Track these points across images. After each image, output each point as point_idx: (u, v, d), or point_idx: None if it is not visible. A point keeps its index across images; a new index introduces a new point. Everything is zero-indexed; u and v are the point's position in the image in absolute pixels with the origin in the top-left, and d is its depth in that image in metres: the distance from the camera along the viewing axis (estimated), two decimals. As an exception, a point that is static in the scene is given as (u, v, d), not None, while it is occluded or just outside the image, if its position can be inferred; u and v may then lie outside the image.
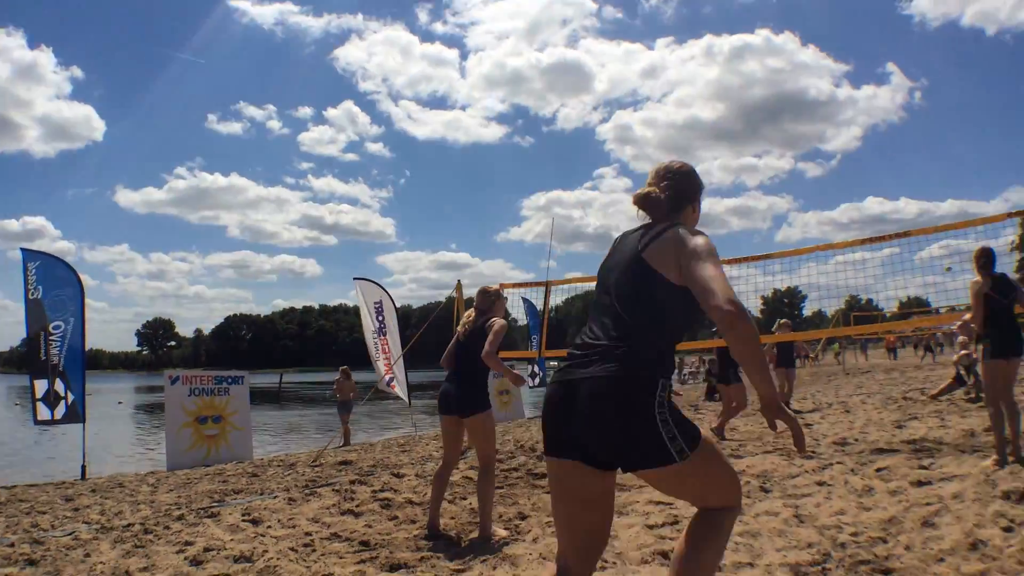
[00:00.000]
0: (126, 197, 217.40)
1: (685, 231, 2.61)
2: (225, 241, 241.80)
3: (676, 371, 49.46)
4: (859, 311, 39.68)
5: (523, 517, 5.80)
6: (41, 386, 11.55)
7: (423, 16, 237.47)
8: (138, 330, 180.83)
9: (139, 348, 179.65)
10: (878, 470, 6.66)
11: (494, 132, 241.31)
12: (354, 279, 14.21)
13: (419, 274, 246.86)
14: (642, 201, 2.84)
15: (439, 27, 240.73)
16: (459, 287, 10.81)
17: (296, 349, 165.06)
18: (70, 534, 5.94)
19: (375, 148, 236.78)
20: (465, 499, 6.57)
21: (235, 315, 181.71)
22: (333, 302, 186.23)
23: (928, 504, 5.09)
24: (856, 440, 8.92)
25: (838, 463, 7.20)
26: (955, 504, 5.06)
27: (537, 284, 11.46)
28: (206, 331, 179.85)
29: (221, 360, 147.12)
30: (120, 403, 38.01)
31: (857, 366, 35.87)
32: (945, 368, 19.58)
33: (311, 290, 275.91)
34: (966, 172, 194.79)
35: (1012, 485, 5.24)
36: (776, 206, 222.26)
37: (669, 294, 2.53)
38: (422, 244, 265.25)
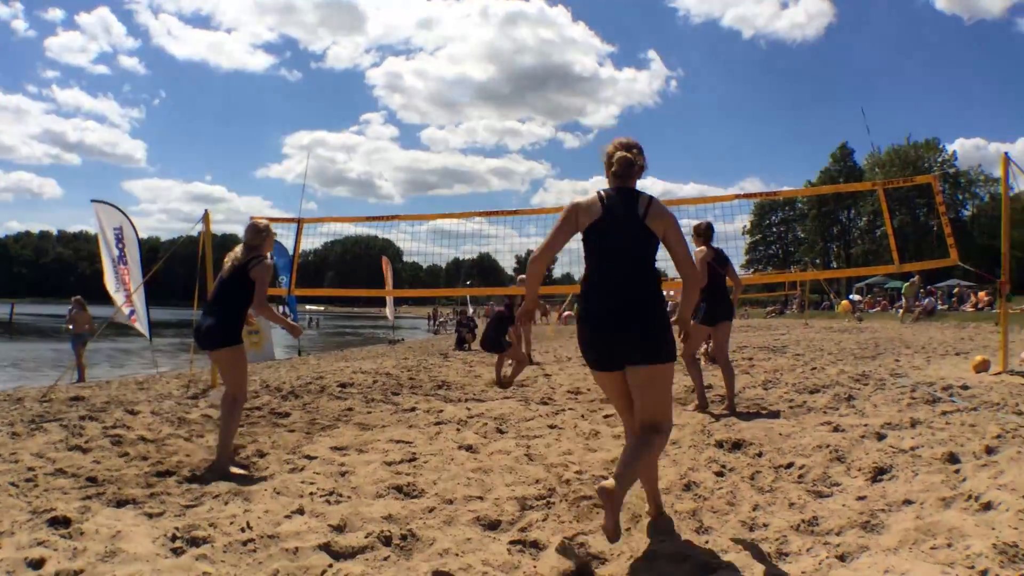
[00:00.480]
0: None
1: (663, 207, 3.74)
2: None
3: (431, 321, 50.49)
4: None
5: (262, 455, 5.80)
6: None
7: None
8: None
9: None
10: (605, 416, 7.28)
11: (260, 61, 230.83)
12: (92, 201, 13.16)
13: (169, 205, 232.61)
14: (632, 169, 3.79)
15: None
16: (207, 218, 10.27)
17: (31, 277, 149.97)
18: None
19: (129, 63, 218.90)
20: (202, 437, 6.44)
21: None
22: (74, 228, 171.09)
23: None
24: (589, 390, 9.63)
25: (570, 409, 7.79)
26: (673, 449, 5.67)
27: (289, 220, 11.18)
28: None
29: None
30: None
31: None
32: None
33: (50, 213, 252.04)
34: (709, 160, 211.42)
35: (725, 435, 5.92)
36: (535, 171, 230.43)
37: (656, 248, 3.72)
38: (174, 172, 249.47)
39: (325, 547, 3.50)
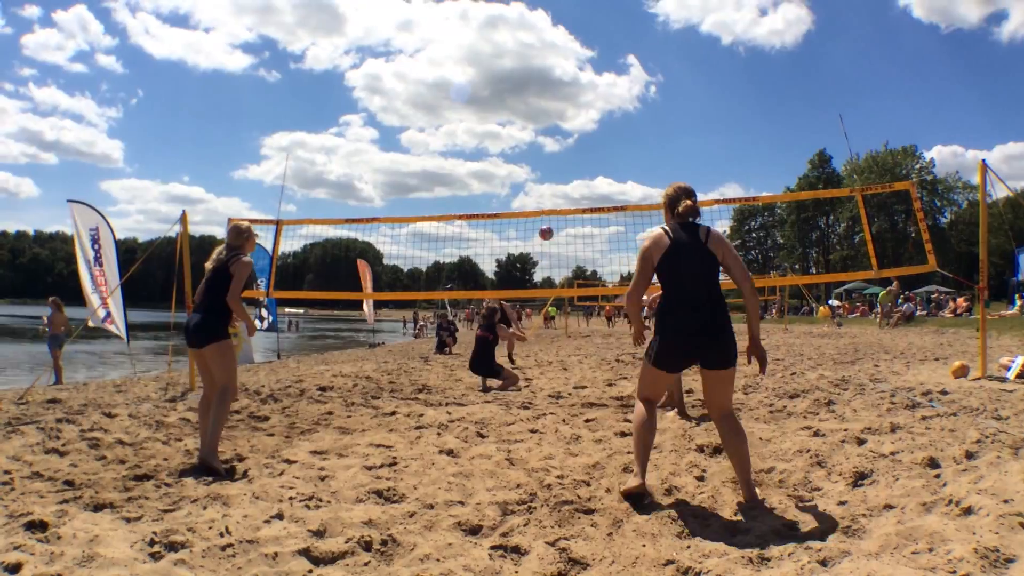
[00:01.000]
0: None
1: (720, 233, 4.46)
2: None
3: (405, 324, 50.34)
4: (583, 281, 42.21)
5: (241, 459, 5.75)
6: None
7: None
8: None
9: None
10: (587, 421, 7.28)
11: (238, 61, 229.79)
12: (68, 201, 13.01)
13: (147, 205, 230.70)
14: (694, 215, 4.52)
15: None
16: (185, 219, 10.18)
17: (7, 278, 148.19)
18: None
19: (106, 61, 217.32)
20: (180, 440, 6.39)
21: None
22: (50, 228, 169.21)
23: (630, 453, 5.63)
24: (570, 394, 9.64)
25: (551, 414, 7.78)
26: (654, 454, 5.65)
27: (268, 222, 11.10)
28: None
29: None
30: None
31: (579, 330, 38.36)
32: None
33: (26, 213, 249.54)
34: (688, 165, 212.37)
35: (706, 440, 5.93)
36: (515, 175, 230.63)
37: (719, 269, 4.38)
38: (152, 173, 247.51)
39: (305, 552, 3.47)
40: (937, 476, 4.46)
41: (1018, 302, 28.75)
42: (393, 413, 7.92)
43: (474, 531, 3.93)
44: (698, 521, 4.04)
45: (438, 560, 3.42)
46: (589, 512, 4.26)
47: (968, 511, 3.68)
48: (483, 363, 10.70)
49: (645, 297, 5.91)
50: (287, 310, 74.93)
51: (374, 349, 26.46)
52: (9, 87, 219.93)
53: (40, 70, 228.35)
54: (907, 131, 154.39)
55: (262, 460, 5.67)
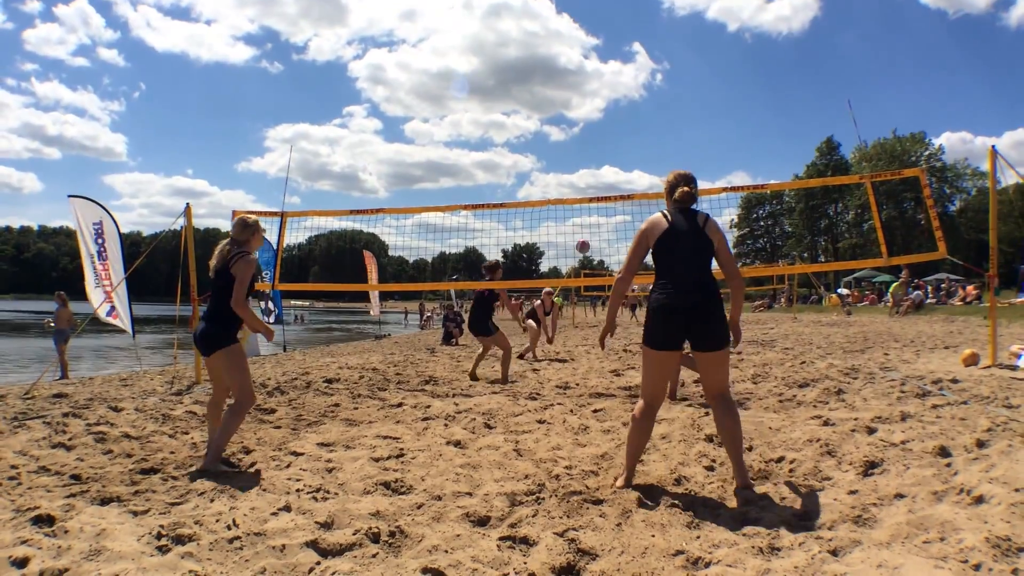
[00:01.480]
0: None
1: (716, 222, 4.52)
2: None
3: (406, 316, 50.34)
4: (590, 271, 42.15)
5: (247, 451, 5.74)
6: None
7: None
8: None
9: None
10: (595, 411, 7.26)
11: (240, 53, 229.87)
12: (69, 196, 12.96)
13: (151, 199, 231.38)
14: (692, 201, 4.58)
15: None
16: (189, 212, 10.14)
17: (11, 273, 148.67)
18: None
19: (108, 55, 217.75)
20: (187, 433, 6.39)
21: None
22: (54, 222, 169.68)
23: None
24: (577, 385, 9.62)
25: (559, 404, 7.76)
26: (663, 444, 5.65)
27: (272, 214, 11.08)
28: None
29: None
30: None
31: (585, 320, 38.33)
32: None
33: (30, 208, 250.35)
34: (695, 153, 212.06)
35: (715, 430, 5.89)
36: (520, 164, 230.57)
37: (712, 254, 4.46)
38: (155, 166, 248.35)
39: (312, 544, 3.46)
40: (948, 465, 4.43)
41: (1028, 289, 28.60)
42: (400, 404, 7.91)
43: (482, 522, 3.91)
44: (708, 511, 4.02)
45: (446, 551, 3.41)
46: (598, 502, 4.23)
47: (979, 500, 3.66)
48: (483, 320, 10.56)
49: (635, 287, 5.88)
50: (292, 302, 75.16)
51: (380, 341, 26.48)
52: (11, 82, 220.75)
53: (42, 65, 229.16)
54: (915, 118, 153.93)
55: (269, 452, 5.67)
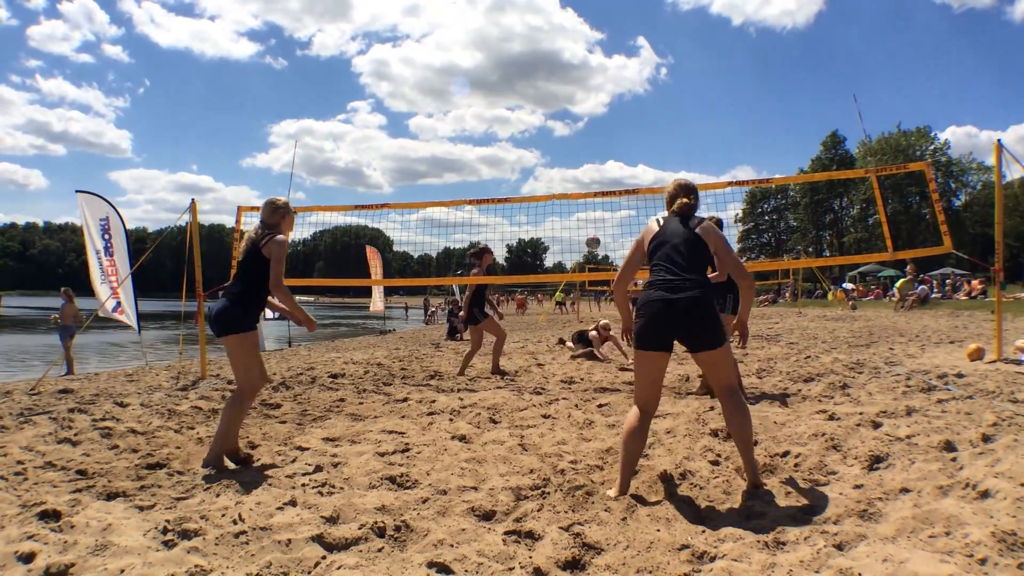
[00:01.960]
0: None
1: (712, 225, 4.54)
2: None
3: (423, 312, 50.41)
4: (595, 265, 42.14)
5: (253, 446, 5.75)
6: None
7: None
8: None
9: None
10: (599, 406, 7.26)
11: (244, 49, 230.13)
12: (76, 192, 12.98)
13: (156, 195, 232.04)
14: (688, 208, 4.58)
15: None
16: (194, 208, 10.16)
17: (17, 270, 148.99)
18: None
19: (113, 51, 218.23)
20: (193, 428, 6.40)
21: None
22: (60, 219, 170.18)
23: (642, 437, 5.63)
24: (582, 379, 9.62)
25: (563, 399, 7.76)
26: (668, 438, 5.64)
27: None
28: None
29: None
30: None
31: (590, 315, 38.29)
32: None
33: (35, 204, 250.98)
34: (700, 148, 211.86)
35: (720, 424, 5.88)
36: (525, 159, 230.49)
37: (709, 255, 4.44)
38: (160, 162, 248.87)
39: (318, 539, 3.46)
40: (954, 459, 4.42)
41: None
42: (405, 399, 7.92)
43: (487, 516, 3.92)
44: (713, 505, 4.02)
45: (452, 546, 3.41)
46: (603, 497, 4.24)
47: (985, 494, 3.65)
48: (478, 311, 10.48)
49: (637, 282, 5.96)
50: (298, 298, 75.15)
51: (385, 336, 26.50)
52: (16, 79, 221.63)
53: (47, 61, 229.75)
54: (920, 112, 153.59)
55: (274, 447, 5.68)
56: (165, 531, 3.57)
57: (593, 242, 10.07)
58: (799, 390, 7.77)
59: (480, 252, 10.64)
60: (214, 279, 11.50)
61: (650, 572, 3.11)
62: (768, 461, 4.80)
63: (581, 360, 12.07)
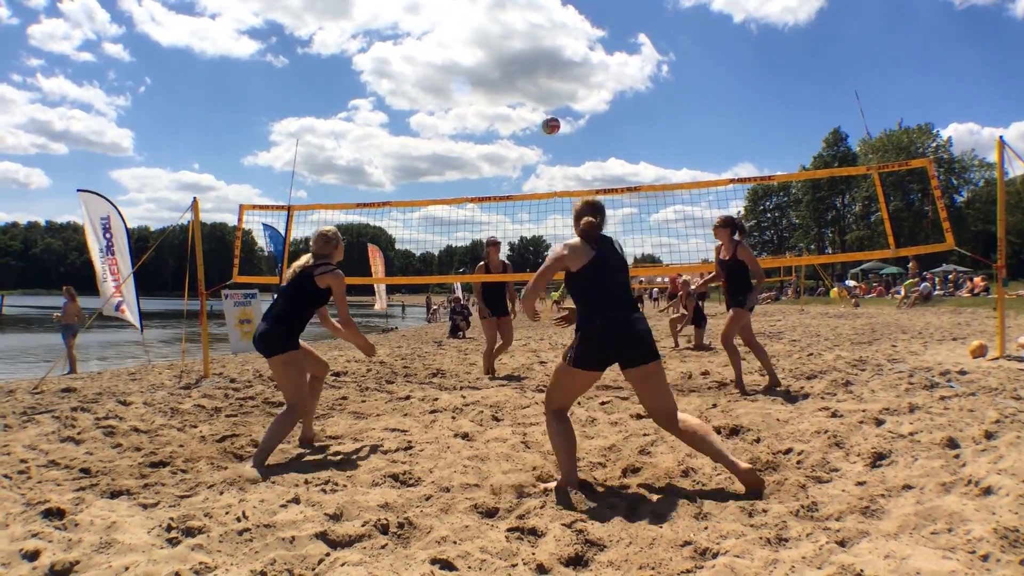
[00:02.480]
0: None
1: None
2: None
3: (425, 310, 50.49)
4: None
5: (256, 444, 5.76)
6: None
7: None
8: None
9: None
10: (602, 403, 7.26)
11: (245, 47, 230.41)
12: (77, 191, 12.99)
13: (157, 194, 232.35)
14: (596, 229, 4.59)
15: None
16: (196, 207, 10.17)
17: (19, 269, 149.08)
18: None
19: (113, 50, 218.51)
20: (196, 427, 6.41)
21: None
22: (62, 218, 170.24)
23: (645, 435, 5.64)
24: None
25: (565, 397, 7.74)
26: (670, 436, 5.63)
27: (279, 208, 11.11)
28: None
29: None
30: None
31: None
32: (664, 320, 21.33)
33: (37, 203, 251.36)
34: (701, 145, 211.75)
35: (723, 421, 5.90)
36: (526, 157, 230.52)
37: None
38: (162, 161, 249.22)
39: (322, 536, 3.47)
40: (956, 456, 4.42)
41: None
42: (407, 397, 7.93)
43: (490, 514, 3.93)
44: (715, 502, 4.02)
45: (455, 543, 3.42)
46: (606, 494, 4.24)
47: (987, 491, 3.65)
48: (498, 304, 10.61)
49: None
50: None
51: (387, 334, 26.51)
52: (17, 78, 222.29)
53: (47, 60, 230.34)
54: (922, 109, 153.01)
55: (280, 445, 5.68)
56: (169, 529, 3.58)
57: (553, 126, 9.49)
58: (802, 387, 7.78)
59: (487, 244, 10.67)
60: (216, 278, 11.52)
61: (653, 568, 3.11)
62: (771, 458, 4.80)
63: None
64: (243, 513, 3.79)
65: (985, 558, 2.91)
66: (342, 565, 3.15)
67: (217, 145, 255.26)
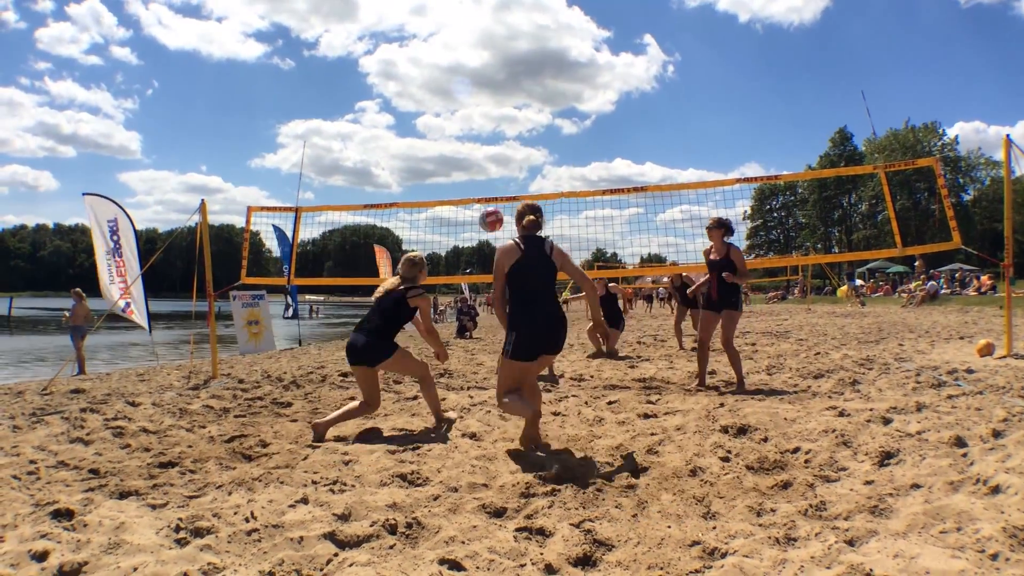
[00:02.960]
0: None
1: (558, 247, 5.36)
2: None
3: (432, 310, 50.51)
4: (603, 263, 42.12)
5: (264, 444, 5.77)
6: None
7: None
8: None
9: None
10: (609, 403, 7.26)
11: (252, 50, 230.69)
12: (83, 195, 13.00)
13: (166, 196, 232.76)
14: (536, 227, 5.38)
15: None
16: (204, 209, 10.20)
17: (28, 271, 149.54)
18: None
19: (121, 53, 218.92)
20: (204, 428, 6.43)
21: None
22: (70, 220, 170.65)
23: (653, 434, 5.64)
24: (591, 377, 9.61)
25: (573, 396, 7.76)
26: (678, 435, 5.63)
27: (287, 209, 11.13)
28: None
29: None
30: None
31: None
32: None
33: (46, 206, 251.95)
34: (707, 145, 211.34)
35: (730, 420, 5.89)
36: (532, 158, 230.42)
37: (556, 274, 5.35)
38: (170, 163, 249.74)
39: (330, 536, 3.48)
40: (964, 455, 4.41)
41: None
42: (415, 397, 7.94)
43: (498, 513, 3.93)
44: (723, 502, 4.01)
45: (463, 543, 3.42)
46: (614, 493, 4.24)
47: (996, 490, 3.64)
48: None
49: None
50: (307, 297, 75.52)
51: (395, 335, 26.45)
52: (25, 81, 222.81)
53: (55, 63, 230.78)
54: (928, 107, 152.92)
55: (286, 446, 5.70)
56: (178, 529, 3.59)
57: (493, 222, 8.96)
58: (809, 386, 7.76)
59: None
60: (223, 279, 11.54)
61: (661, 568, 3.11)
62: (779, 457, 4.80)
63: (590, 358, 12.06)
64: (252, 513, 3.80)
65: (994, 557, 2.91)
66: (350, 565, 3.16)
67: (224, 147, 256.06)
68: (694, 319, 13.91)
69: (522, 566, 3.15)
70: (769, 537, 3.36)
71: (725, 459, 4.87)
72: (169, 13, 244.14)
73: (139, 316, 12.66)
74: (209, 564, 3.15)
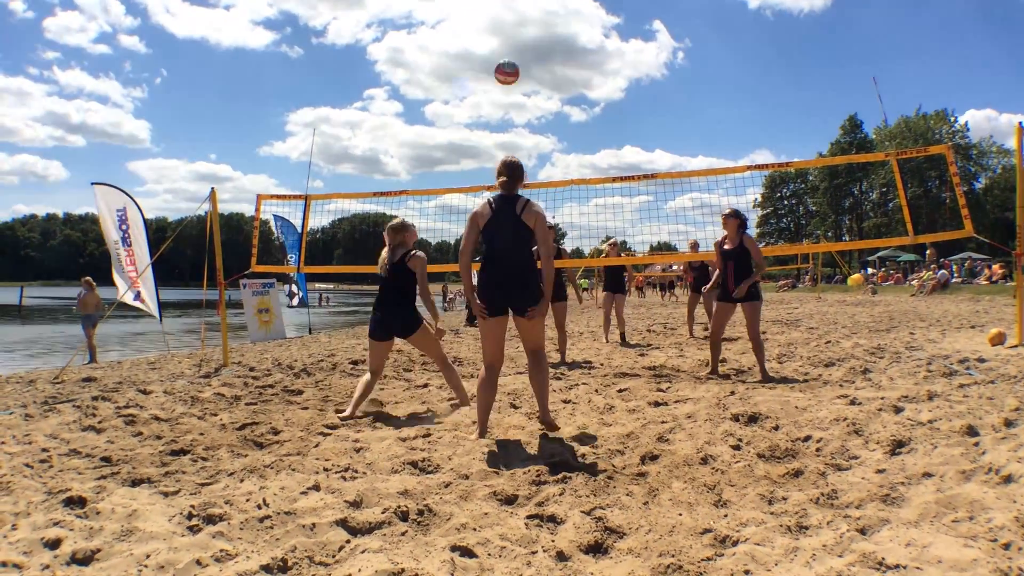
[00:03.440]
0: None
1: (535, 206, 5.29)
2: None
3: (440, 298, 50.57)
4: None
5: (276, 432, 5.79)
6: None
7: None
8: None
9: None
10: (620, 391, 7.26)
11: (260, 38, 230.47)
12: (92, 184, 13.03)
13: (175, 184, 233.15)
14: (507, 187, 5.35)
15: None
16: (214, 197, 10.22)
17: (38, 260, 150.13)
18: None
19: (129, 41, 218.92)
20: (216, 415, 6.45)
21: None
22: (80, 209, 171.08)
23: (663, 422, 5.63)
24: (601, 364, 9.61)
25: (584, 384, 7.77)
26: (689, 423, 5.62)
27: (296, 197, 11.13)
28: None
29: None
30: None
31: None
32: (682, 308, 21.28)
33: (56, 195, 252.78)
34: (717, 132, 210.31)
35: (741, 409, 5.88)
36: (541, 145, 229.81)
37: (530, 237, 5.24)
38: (179, 152, 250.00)
39: (342, 523, 3.49)
40: (976, 444, 4.39)
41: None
42: (425, 385, 7.96)
43: (509, 501, 3.93)
44: (735, 490, 4.01)
45: (474, 530, 3.43)
46: (625, 481, 4.24)
47: (1008, 479, 3.63)
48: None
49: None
50: (317, 285, 75.70)
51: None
52: (34, 71, 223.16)
53: (64, 53, 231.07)
54: (939, 95, 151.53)
55: (297, 433, 5.72)
56: (190, 516, 3.61)
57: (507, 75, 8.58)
58: (820, 375, 7.75)
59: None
60: (234, 267, 11.57)
61: (672, 556, 3.11)
62: (790, 445, 4.79)
63: (601, 345, 12.06)
64: (263, 500, 3.81)
65: (1007, 547, 2.89)
66: (362, 552, 3.17)
67: (233, 136, 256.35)
68: (707, 306, 13.89)
69: (533, 553, 3.15)
70: (780, 525, 3.36)
71: (736, 447, 4.87)
72: (176, 1, 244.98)
73: (150, 304, 12.71)
74: (221, 551, 3.16)
